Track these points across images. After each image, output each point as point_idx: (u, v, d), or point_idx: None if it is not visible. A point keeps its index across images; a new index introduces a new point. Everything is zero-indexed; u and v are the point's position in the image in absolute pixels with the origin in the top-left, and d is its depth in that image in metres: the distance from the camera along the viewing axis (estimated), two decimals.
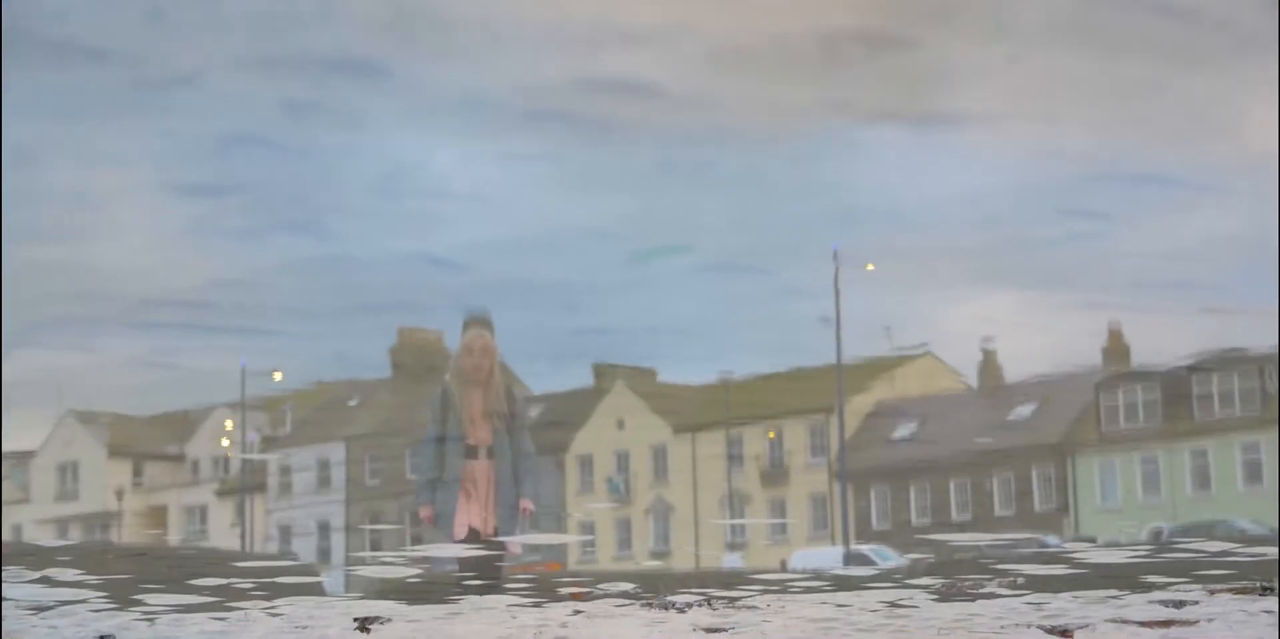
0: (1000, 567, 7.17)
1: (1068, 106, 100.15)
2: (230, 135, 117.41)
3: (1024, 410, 69.72)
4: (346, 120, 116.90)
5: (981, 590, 6.19)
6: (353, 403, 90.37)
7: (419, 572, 8.12)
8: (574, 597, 6.05)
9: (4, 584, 6.46)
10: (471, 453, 9.54)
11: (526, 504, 9.53)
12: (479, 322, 9.72)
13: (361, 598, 7.75)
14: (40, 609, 5.84)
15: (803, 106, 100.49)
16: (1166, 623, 4.82)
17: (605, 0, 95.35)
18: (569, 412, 79.90)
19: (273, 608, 5.91)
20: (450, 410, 9.60)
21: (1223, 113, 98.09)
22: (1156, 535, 43.32)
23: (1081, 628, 4.79)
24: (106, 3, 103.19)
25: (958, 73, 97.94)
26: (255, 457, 79.95)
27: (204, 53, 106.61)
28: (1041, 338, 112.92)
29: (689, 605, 5.51)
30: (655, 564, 66.98)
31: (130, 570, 10.05)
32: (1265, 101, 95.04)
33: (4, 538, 61.20)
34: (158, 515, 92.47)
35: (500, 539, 9.42)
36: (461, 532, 9.32)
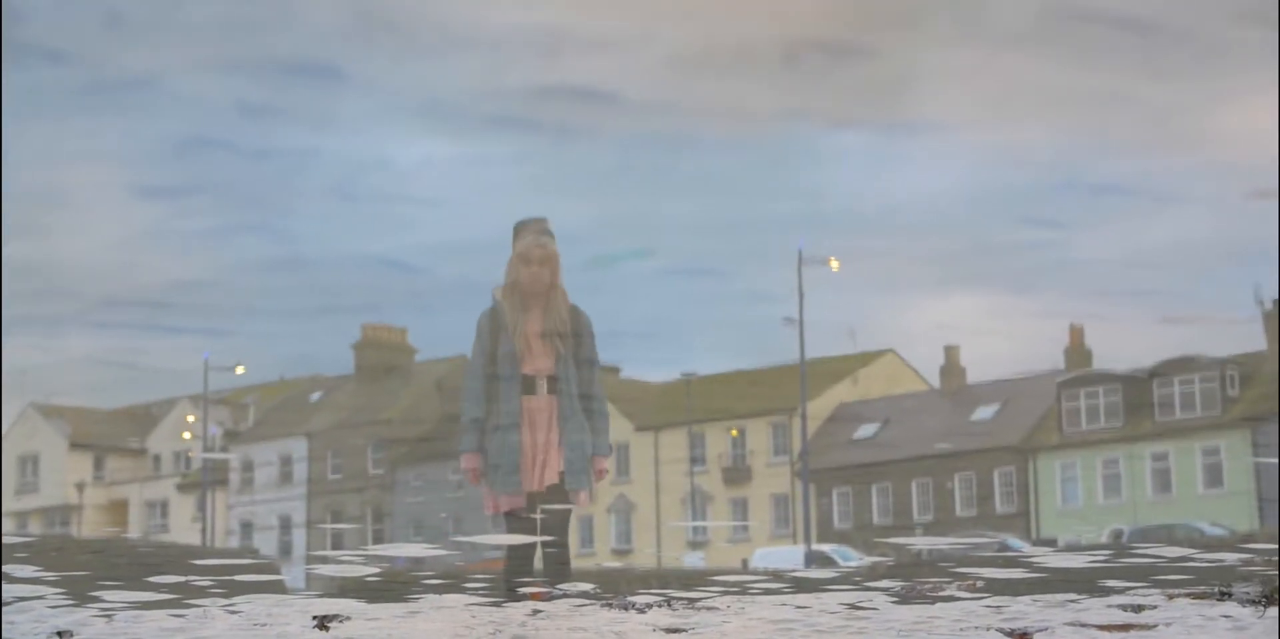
0: (960, 569, 7.18)
1: (1029, 115, 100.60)
2: (191, 137, 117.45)
3: (986, 412, 69.93)
4: (307, 123, 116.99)
5: (941, 593, 6.20)
6: (315, 398, 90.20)
7: (379, 570, 7.62)
8: (533, 596, 5.91)
9: None
10: (529, 386, 7.91)
11: (603, 464, 8.03)
12: (537, 225, 8.04)
13: (321, 596, 7.73)
14: None
15: (764, 112, 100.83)
16: (1125, 627, 4.84)
17: (566, 5, 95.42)
18: None
19: (231, 605, 5.89)
20: (502, 334, 7.94)
21: (1183, 123, 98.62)
22: (1117, 537, 43.46)
23: (1040, 631, 4.80)
24: (66, 5, 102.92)
25: (920, 81, 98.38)
26: (216, 456, 79.75)
27: (164, 55, 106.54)
28: (1003, 343, 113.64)
29: (649, 606, 5.51)
30: (615, 564, 67.04)
31: (89, 566, 9.99)
32: (1225, 113, 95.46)
33: None
34: (118, 509, 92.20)
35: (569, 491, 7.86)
36: (532, 485, 7.82)
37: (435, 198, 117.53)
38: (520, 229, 8.00)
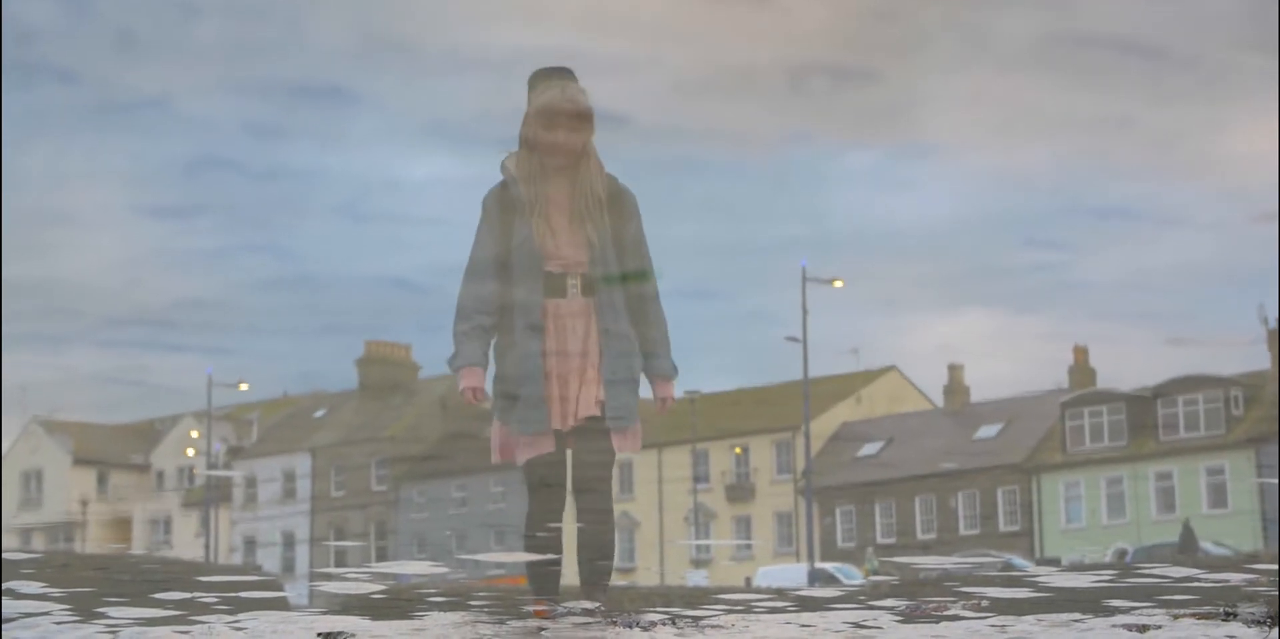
0: (964, 588, 7.19)
1: (1033, 138, 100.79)
2: (198, 157, 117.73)
3: (989, 430, 69.87)
4: (314, 143, 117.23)
5: (945, 612, 6.20)
6: (319, 414, 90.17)
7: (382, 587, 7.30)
8: (537, 613, 5.83)
9: None
10: (555, 286, 5.95)
11: (667, 389, 6.06)
12: (561, 74, 6.06)
13: (325, 612, 7.76)
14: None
15: (770, 135, 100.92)
16: None
17: (573, 28, 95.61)
18: None
19: (236, 622, 5.90)
20: (516, 217, 5.97)
21: (1186, 147, 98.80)
22: (1121, 556, 43.42)
23: None
24: (75, 25, 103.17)
25: (925, 104, 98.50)
26: (220, 473, 79.68)
27: (172, 76, 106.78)
28: (1006, 364, 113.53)
29: (653, 624, 5.52)
30: (619, 582, 66.96)
31: (94, 582, 10.00)
32: (1227, 137, 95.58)
33: None
34: (122, 525, 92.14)
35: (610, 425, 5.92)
36: (557, 420, 5.89)
37: (441, 218, 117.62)
38: (539, 80, 6.05)
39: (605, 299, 5.97)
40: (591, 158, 6.00)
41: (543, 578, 6.02)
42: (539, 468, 5.95)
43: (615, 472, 6.11)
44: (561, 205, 5.97)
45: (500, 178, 6.09)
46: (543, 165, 5.98)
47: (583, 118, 5.96)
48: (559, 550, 5.99)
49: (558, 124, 5.93)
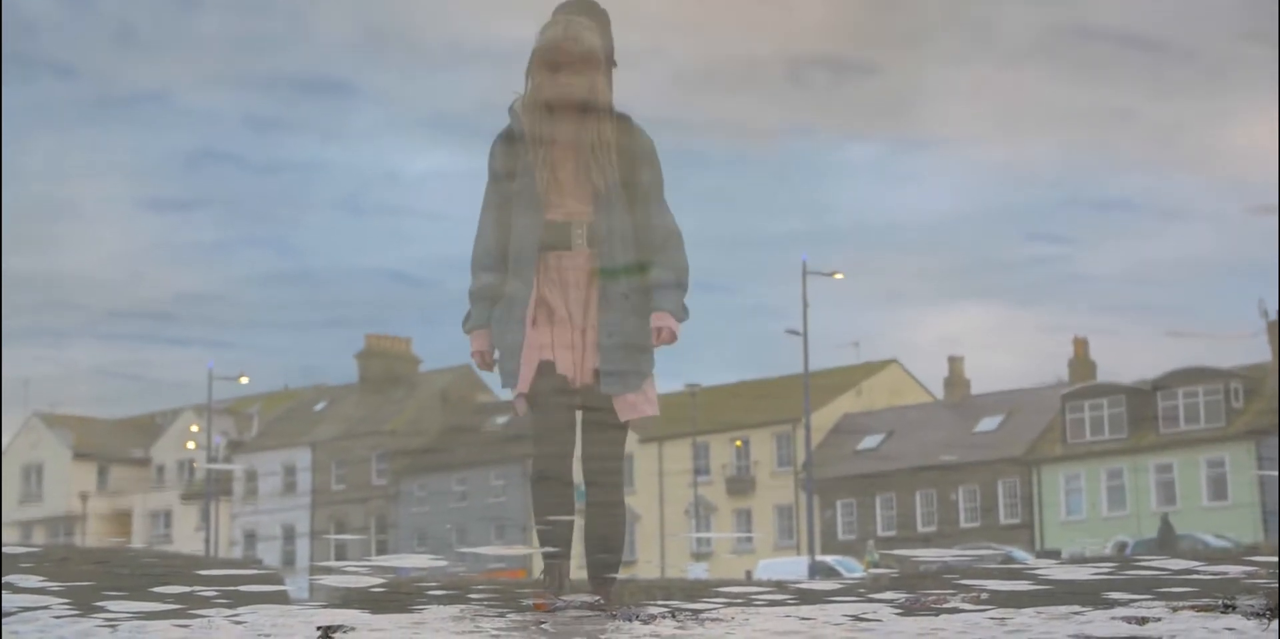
0: (964, 581, 7.19)
1: (1035, 131, 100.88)
2: (199, 150, 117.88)
3: (990, 423, 69.90)
4: (315, 136, 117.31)
5: (945, 605, 6.20)
6: (319, 408, 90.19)
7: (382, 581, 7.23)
8: (537, 607, 5.84)
9: None
10: (558, 236, 5.65)
11: (665, 320, 5.61)
12: (580, 6, 5.73)
13: (325, 606, 7.77)
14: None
15: (771, 128, 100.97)
16: None
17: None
18: None
19: (236, 616, 5.90)
20: (520, 164, 5.67)
21: (1187, 140, 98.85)
22: (1121, 549, 43.43)
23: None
24: (76, 19, 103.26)
25: (926, 97, 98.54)
26: (220, 467, 79.73)
27: (173, 70, 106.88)
28: (1006, 356, 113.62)
29: (653, 617, 5.51)
30: (620, 576, 66.94)
31: (93, 576, 10.01)
32: (1227, 130, 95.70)
33: None
34: (122, 519, 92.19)
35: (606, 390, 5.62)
36: (529, 378, 5.56)
37: (442, 211, 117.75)
38: (554, 15, 5.71)
39: (610, 251, 5.64)
40: (601, 98, 5.64)
41: (554, 537, 5.76)
42: (545, 409, 5.63)
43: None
44: (569, 150, 5.65)
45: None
46: (550, 108, 5.62)
47: (587, 61, 5.58)
48: (566, 506, 5.71)
49: (559, 69, 5.58)
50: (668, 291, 5.64)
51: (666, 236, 5.69)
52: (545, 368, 5.59)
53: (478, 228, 5.73)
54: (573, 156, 5.64)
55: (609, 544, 5.82)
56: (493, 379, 5.91)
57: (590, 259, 5.64)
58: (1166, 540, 39.63)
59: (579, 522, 5.69)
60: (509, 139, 5.70)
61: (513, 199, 5.65)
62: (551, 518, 5.69)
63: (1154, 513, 59.17)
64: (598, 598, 5.76)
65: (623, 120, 5.70)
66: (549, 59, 5.58)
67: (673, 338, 5.63)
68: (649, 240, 5.68)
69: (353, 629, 5.24)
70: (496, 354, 5.72)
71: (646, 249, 5.67)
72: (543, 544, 5.73)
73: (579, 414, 5.67)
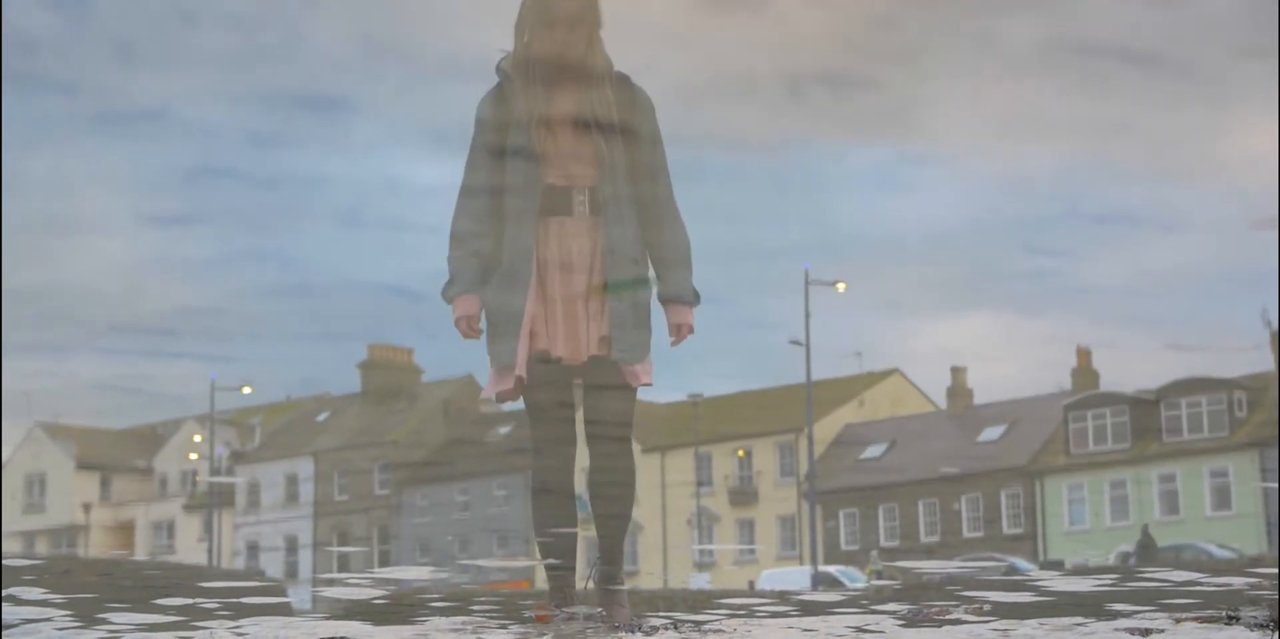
0: (967, 592, 7.18)
1: (1034, 143, 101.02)
2: (199, 165, 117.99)
3: (992, 433, 69.84)
4: (314, 151, 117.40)
5: (948, 616, 6.20)
6: (321, 418, 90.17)
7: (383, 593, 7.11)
8: (538, 618, 5.80)
9: None
10: (558, 202, 5.30)
11: (683, 315, 5.36)
12: None
13: (327, 618, 7.75)
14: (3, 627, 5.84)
15: (771, 141, 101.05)
16: None
17: None
18: None
19: (238, 627, 5.90)
20: (512, 125, 5.29)
21: (1186, 152, 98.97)
22: (1124, 559, 43.38)
23: None
24: (76, 36, 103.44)
25: (925, 109, 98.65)
26: (222, 479, 79.70)
27: (173, 85, 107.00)
28: (1009, 367, 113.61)
29: (655, 628, 5.51)
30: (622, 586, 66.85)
31: (96, 587, 10.00)
32: (1229, 142, 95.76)
33: None
34: (125, 530, 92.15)
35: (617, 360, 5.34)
36: (557, 348, 5.26)
37: (442, 224, 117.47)
38: None
39: (615, 216, 5.28)
40: (598, 55, 5.29)
41: (557, 548, 5.56)
42: (541, 397, 5.39)
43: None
44: (566, 110, 5.27)
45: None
46: (544, 70, 5.27)
47: (582, 18, 5.25)
48: (568, 519, 5.52)
49: (556, 26, 5.24)
50: (678, 275, 5.37)
51: (671, 209, 5.41)
52: (545, 369, 5.31)
53: (461, 192, 5.35)
54: (571, 116, 5.27)
55: (618, 506, 5.56)
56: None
57: (594, 226, 5.31)
58: (1148, 551, 39.53)
59: (582, 533, 5.53)
60: (499, 98, 5.34)
61: (505, 160, 5.27)
62: (553, 531, 5.50)
63: (1157, 523, 59.16)
64: (600, 609, 5.75)
65: (622, 80, 5.38)
66: (544, 14, 5.24)
67: (691, 332, 5.39)
68: (656, 214, 5.37)
69: None
70: (483, 324, 5.36)
71: (650, 221, 5.38)
72: (544, 557, 5.55)
73: (579, 416, 5.47)
